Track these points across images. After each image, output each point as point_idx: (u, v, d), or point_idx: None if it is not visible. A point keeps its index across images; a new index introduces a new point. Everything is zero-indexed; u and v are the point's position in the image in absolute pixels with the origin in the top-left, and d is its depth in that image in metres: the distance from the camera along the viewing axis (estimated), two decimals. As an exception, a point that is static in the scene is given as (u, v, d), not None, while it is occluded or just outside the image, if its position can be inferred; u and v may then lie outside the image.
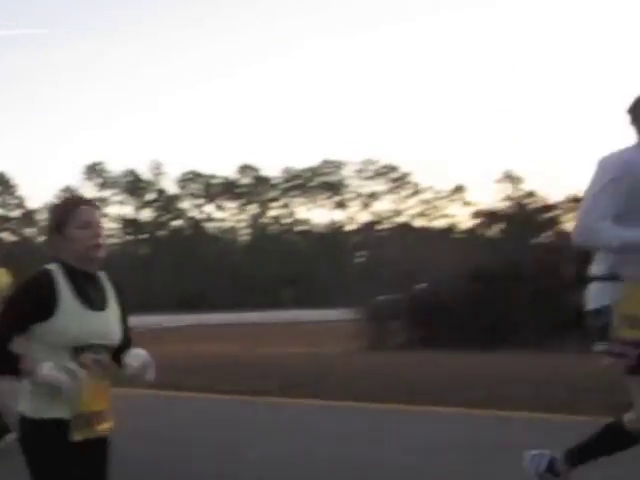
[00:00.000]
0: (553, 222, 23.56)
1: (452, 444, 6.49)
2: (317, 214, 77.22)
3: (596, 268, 3.25)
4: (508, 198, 26.18)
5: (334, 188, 74.14)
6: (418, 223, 67.95)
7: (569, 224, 23.76)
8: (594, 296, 3.22)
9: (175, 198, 75.56)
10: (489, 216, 26.63)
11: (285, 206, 75.50)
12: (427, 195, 69.27)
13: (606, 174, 3.14)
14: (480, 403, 8.40)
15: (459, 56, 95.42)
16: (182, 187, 75.77)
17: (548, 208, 23.67)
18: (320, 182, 74.42)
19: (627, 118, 3.31)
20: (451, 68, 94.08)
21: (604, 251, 3.16)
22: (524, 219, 24.03)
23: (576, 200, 23.40)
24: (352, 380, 10.77)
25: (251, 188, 74.82)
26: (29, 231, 71.68)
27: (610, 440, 3.51)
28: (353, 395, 9.48)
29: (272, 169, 74.77)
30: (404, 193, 71.02)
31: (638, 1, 75.20)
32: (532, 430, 6.92)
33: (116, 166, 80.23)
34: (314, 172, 74.28)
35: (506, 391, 8.92)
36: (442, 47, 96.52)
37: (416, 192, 69.88)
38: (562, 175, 70.98)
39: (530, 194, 25.90)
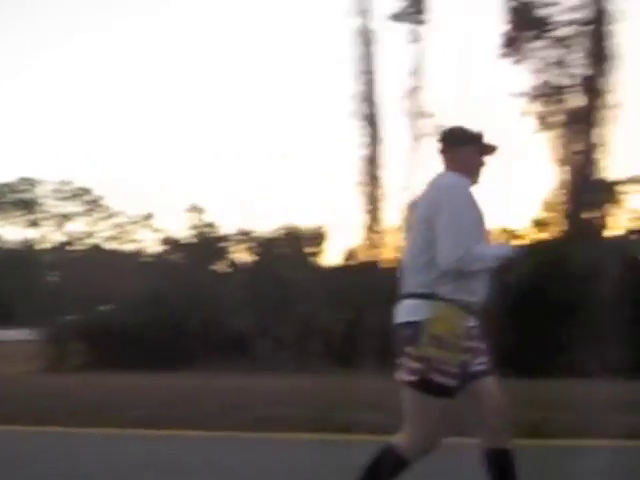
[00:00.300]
0: (225, 252, 24.43)
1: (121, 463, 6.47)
2: (10, 231, 72.10)
3: (409, 284, 3.14)
4: (193, 227, 26.66)
5: (29, 206, 69.91)
6: (109, 246, 66.35)
7: (238, 254, 24.64)
8: (406, 311, 3.09)
9: None
10: (174, 243, 26.91)
11: (-23, 221, 69.61)
12: (119, 219, 68.03)
13: (460, 198, 3.10)
14: (146, 422, 8.44)
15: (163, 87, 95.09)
16: None
17: (222, 239, 24.52)
18: (15, 199, 69.76)
19: (438, 146, 3.35)
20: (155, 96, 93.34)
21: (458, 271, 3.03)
22: (204, 248, 24.61)
23: (244, 233, 24.39)
24: (26, 402, 10.28)
25: (-58, 201, 68.01)
26: None
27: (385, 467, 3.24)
28: (31, 418, 9.02)
29: (-35, 183, 68.43)
30: (97, 216, 69.05)
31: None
32: (189, 445, 7.12)
33: None
34: (10, 188, 69.47)
35: (170, 411, 9.05)
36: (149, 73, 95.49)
37: (109, 216, 68.32)
38: (235, 208, 74.16)
39: (210, 225, 26.65)
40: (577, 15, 22.35)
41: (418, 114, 24.75)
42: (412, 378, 3.07)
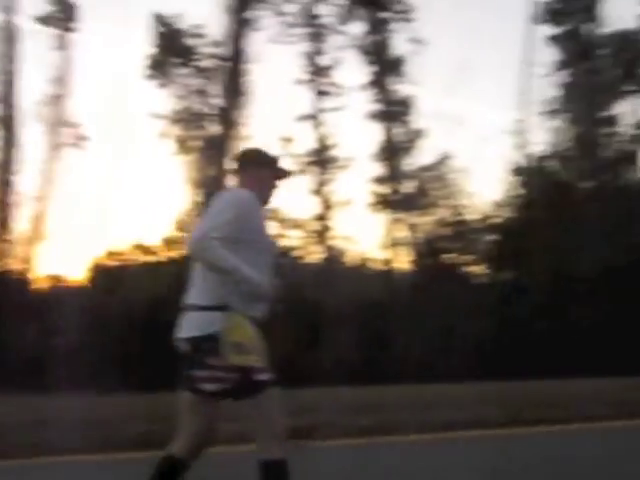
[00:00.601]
0: None
1: None
2: None
3: (200, 297, 2.97)
4: None
5: None
6: None
7: None
8: (200, 324, 2.92)
9: None
10: None
11: None
12: None
13: (230, 202, 2.99)
14: None
15: None
16: None
17: None
18: None
19: (234, 166, 3.27)
20: None
21: (209, 271, 2.95)
22: None
23: None
24: None
25: None
26: None
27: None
28: None
29: None
30: None
31: None
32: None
33: None
34: None
35: None
36: None
37: None
38: None
39: None
40: (218, 50, 22.96)
41: (59, 122, 23.12)
42: (227, 386, 2.90)
